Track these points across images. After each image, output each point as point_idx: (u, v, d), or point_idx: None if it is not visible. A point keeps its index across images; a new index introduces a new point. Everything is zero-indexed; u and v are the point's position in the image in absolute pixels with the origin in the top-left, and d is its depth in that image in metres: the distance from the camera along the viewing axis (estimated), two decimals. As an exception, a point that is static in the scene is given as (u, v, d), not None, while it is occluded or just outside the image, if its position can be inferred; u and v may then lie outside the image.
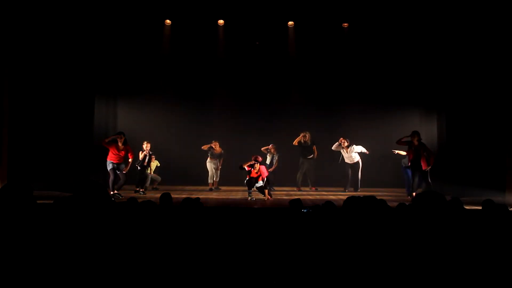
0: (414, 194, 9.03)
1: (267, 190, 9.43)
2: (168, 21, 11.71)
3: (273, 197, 9.60)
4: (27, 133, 9.54)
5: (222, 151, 11.44)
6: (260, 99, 12.78)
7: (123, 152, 9.46)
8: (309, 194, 10.59)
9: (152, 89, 12.56)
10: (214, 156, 11.36)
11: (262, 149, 11.47)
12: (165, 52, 12.27)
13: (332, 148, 11.24)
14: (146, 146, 10.63)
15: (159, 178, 11.34)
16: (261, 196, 9.42)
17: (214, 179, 11.40)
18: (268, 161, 11.38)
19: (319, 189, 11.52)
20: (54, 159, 9.60)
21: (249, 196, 9.32)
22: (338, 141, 11.16)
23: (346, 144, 11.10)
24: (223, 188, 11.42)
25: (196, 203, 5.08)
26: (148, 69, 12.39)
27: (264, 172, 9.40)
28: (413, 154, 9.41)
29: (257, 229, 7.08)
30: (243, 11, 11.10)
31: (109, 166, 9.41)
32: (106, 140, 9.52)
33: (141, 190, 10.40)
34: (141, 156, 10.57)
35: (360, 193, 10.17)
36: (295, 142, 11.48)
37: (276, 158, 11.50)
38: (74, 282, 2.44)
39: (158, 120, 12.53)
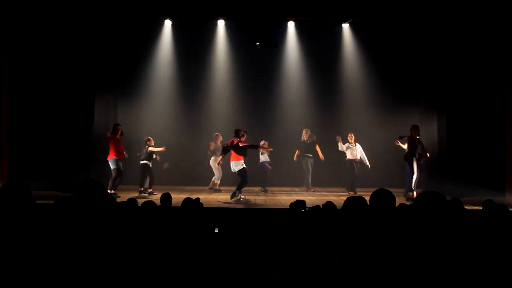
0: (414, 193, 9.01)
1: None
2: (168, 19, 11.69)
3: (266, 195, 9.54)
4: (27, 133, 9.55)
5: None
6: (260, 99, 12.76)
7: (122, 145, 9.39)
8: (310, 195, 10.52)
9: (152, 87, 12.55)
10: (217, 152, 11.16)
11: (260, 150, 11.02)
12: (165, 50, 12.26)
13: (344, 149, 11.03)
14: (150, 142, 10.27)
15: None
16: (249, 196, 9.24)
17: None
18: (263, 159, 11.23)
19: (317, 190, 11.35)
20: (54, 159, 9.60)
21: (237, 196, 8.98)
22: (341, 139, 11.00)
23: (353, 138, 11.02)
24: (223, 188, 11.38)
25: (196, 203, 5.08)
26: (148, 68, 12.38)
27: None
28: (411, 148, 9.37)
29: (257, 229, 7.09)
30: (243, 11, 11.09)
31: (115, 165, 9.15)
32: (118, 136, 9.30)
33: (148, 190, 10.11)
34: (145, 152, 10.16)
35: (360, 193, 10.16)
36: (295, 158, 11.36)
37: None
38: (74, 282, 2.43)
39: (158, 119, 12.51)
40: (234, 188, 9.14)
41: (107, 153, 9.37)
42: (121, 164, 9.36)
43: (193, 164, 12.22)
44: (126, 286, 2.68)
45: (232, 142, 9.12)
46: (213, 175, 11.16)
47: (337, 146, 11.04)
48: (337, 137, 10.90)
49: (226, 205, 8.47)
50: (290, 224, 4.79)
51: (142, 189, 10.04)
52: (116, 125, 9.65)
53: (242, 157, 9.09)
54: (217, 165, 10.72)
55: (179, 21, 11.73)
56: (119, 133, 9.44)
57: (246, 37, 12.01)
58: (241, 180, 9.08)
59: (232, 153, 9.15)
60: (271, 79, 12.74)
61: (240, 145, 9.04)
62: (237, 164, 9.08)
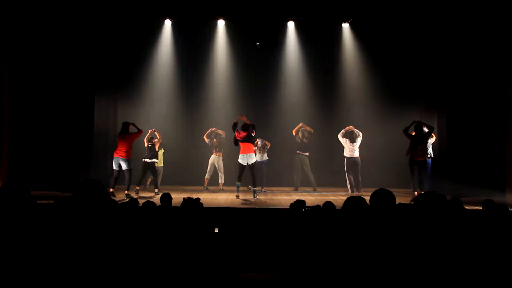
0: (416, 193, 9.00)
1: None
2: (168, 19, 11.69)
3: (265, 196, 9.56)
4: (27, 133, 9.53)
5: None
6: (260, 99, 12.76)
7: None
8: (310, 195, 10.50)
9: (152, 87, 12.55)
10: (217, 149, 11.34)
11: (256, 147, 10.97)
12: (165, 50, 12.26)
13: (339, 135, 10.96)
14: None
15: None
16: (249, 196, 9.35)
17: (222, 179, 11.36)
18: (262, 158, 11.21)
19: (318, 190, 11.32)
20: (54, 159, 9.59)
21: (237, 192, 9.28)
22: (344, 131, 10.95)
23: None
24: (223, 188, 11.38)
25: (196, 203, 5.08)
26: (148, 68, 12.38)
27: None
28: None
29: (257, 229, 7.09)
30: (243, 10, 11.08)
31: (131, 165, 9.45)
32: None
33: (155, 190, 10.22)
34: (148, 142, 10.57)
35: (362, 193, 10.17)
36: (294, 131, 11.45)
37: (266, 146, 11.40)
38: (75, 282, 2.43)
39: (158, 119, 12.51)
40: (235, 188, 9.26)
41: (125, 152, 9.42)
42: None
43: (193, 164, 12.21)
44: (126, 286, 2.68)
45: (244, 134, 9.24)
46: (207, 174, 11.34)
47: (337, 145, 11.03)
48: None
49: (226, 205, 8.48)
50: (290, 224, 4.79)
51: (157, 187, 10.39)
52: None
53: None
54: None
55: (179, 21, 11.73)
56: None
57: (246, 37, 12.01)
58: (255, 173, 9.38)
59: (247, 145, 9.27)
60: (271, 79, 12.73)
61: (253, 135, 9.34)
62: (252, 156, 9.31)
